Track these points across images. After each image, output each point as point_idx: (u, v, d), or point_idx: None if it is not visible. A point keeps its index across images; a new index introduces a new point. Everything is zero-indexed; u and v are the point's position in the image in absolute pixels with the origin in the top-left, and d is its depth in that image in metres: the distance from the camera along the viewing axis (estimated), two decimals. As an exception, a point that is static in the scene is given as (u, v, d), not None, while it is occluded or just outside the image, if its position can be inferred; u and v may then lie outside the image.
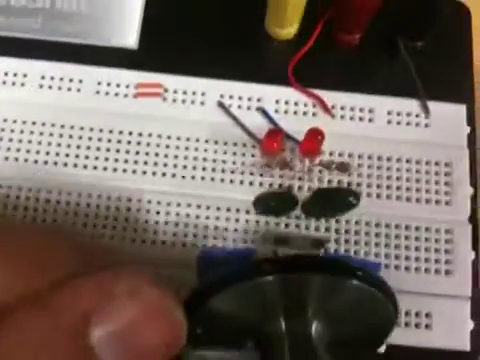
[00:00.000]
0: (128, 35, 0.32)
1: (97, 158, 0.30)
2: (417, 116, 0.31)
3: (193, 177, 0.30)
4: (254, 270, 0.19)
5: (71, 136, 0.30)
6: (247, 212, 0.29)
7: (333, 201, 0.25)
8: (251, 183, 0.30)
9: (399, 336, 0.28)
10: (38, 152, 0.30)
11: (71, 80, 0.31)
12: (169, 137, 0.30)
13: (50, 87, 0.31)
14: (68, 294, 0.14)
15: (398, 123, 0.31)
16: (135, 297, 0.14)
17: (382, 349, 0.28)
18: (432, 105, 0.31)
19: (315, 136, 0.27)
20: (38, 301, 0.13)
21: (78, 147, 0.30)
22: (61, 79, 0.31)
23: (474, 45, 0.33)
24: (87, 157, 0.30)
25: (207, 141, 0.30)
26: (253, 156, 0.30)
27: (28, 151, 0.30)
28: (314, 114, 0.31)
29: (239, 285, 0.19)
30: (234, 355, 0.21)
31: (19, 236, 0.15)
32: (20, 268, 0.14)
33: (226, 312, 0.20)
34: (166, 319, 0.14)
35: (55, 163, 0.29)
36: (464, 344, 0.28)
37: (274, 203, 0.25)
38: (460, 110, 0.31)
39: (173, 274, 0.27)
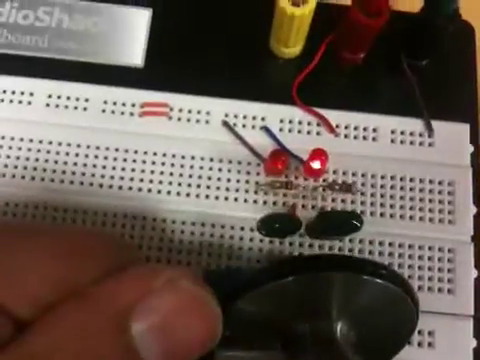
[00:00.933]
0: (134, 54, 0.33)
1: (103, 176, 0.30)
2: (421, 135, 0.31)
3: (197, 195, 0.30)
4: (281, 270, 0.19)
5: (77, 154, 0.30)
6: (251, 230, 0.29)
7: (336, 224, 0.25)
8: (255, 201, 0.30)
9: (402, 354, 0.28)
10: (44, 170, 0.30)
11: (77, 99, 0.31)
12: (174, 156, 0.30)
13: (57, 106, 0.31)
14: (110, 288, 0.14)
15: (402, 142, 0.31)
16: (174, 290, 0.14)
17: None
18: (436, 124, 0.31)
19: (319, 157, 0.28)
20: (82, 295, 0.14)
21: (84, 165, 0.30)
22: (68, 98, 0.31)
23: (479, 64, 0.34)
24: (93, 175, 0.30)
25: (212, 159, 0.30)
26: (258, 174, 0.30)
27: (35, 169, 0.30)
28: (318, 133, 0.31)
29: (266, 286, 0.19)
30: (262, 356, 0.21)
31: (60, 234, 0.16)
32: (65, 264, 0.14)
33: (254, 314, 0.21)
34: (204, 311, 0.15)
35: (61, 181, 0.30)
36: (467, 362, 0.28)
37: (278, 225, 0.25)
38: (463, 129, 0.31)
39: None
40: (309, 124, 0.31)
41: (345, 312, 0.21)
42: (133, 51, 0.33)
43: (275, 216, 0.26)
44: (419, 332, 0.29)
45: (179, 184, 0.30)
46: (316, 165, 0.26)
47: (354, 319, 0.22)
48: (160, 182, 0.30)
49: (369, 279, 0.20)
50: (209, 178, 0.30)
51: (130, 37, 0.33)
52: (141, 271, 0.15)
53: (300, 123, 0.31)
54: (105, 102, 0.31)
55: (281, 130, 0.31)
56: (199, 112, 0.31)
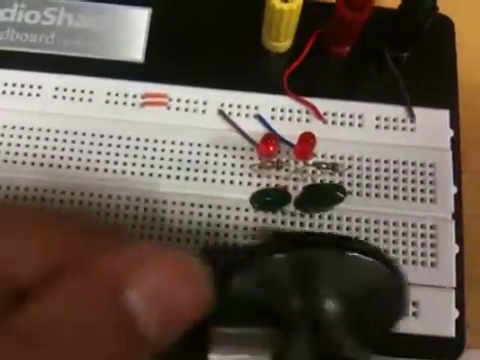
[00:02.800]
0: (135, 50, 0.35)
1: (107, 162, 0.32)
2: (403, 121, 0.33)
3: (195, 179, 0.32)
4: (270, 247, 0.21)
5: (83, 142, 0.32)
6: (246, 210, 0.31)
7: (322, 196, 0.27)
8: (249, 183, 0.32)
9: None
10: (52, 157, 0.32)
11: (83, 91, 0.33)
12: (173, 143, 0.33)
13: (63, 98, 0.33)
14: (106, 259, 0.15)
15: (385, 128, 0.33)
16: (165, 259, 0.15)
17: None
18: (417, 111, 0.34)
19: (308, 139, 0.30)
20: (79, 265, 0.15)
21: (89, 152, 0.32)
22: (73, 90, 0.33)
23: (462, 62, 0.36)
24: (98, 161, 0.32)
25: (208, 146, 0.33)
26: (251, 159, 0.32)
27: (43, 156, 0.32)
28: (307, 120, 0.33)
29: (255, 265, 0.20)
30: (254, 332, 0.22)
31: (58, 216, 0.17)
32: (67, 239, 0.16)
33: (246, 292, 0.22)
34: (193, 277, 0.16)
35: (68, 167, 0.32)
36: (449, 331, 0.30)
37: (269, 198, 0.27)
38: (443, 115, 0.34)
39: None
40: (299, 112, 0.34)
41: (333, 289, 0.22)
42: (134, 47, 0.35)
43: (267, 190, 0.28)
44: (404, 303, 0.30)
45: (178, 168, 0.32)
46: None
47: (343, 296, 0.23)
48: (160, 167, 0.32)
49: (355, 256, 0.21)
50: (206, 163, 0.32)
51: (131, 35, 0.35)
52: (135, 244, 0.16)
53: (291, 111, 0.34)
54: (108, 93, 0.33)
55: (273, 118, 0.33)
56: (196, 102, 0.33)
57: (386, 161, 0.33)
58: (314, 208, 0.28)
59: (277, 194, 0.28)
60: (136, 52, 0.35)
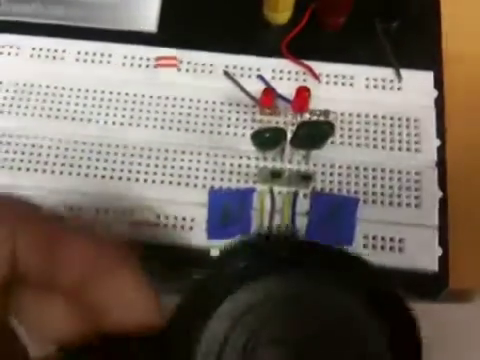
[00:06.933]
0: (149, 21, 0.39)
1: (123, 116, 0.36)
2: (391, 81, 0.37)
3: (203, 131, 0.36)
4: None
5: (102, 99, 0.36)
6: (248, 158, 0.35)
7: (313, 130, 0.31)
8: (251, 135, 0.35)
9: (376, 258, 0.33)
10: (75, 111, 0.36)
11: (102, 54, 0.37)
12: (183, 99, 0.36)
13: (85, 61, 0.37)
14: None
15: (375, 87, 0.37)
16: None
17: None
18: (404, 72, 0.37)
19: (303, 92, 0.33)
20: None
21: (107, 107, 0.36)
22: (94, 54, 0.37)
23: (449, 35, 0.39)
24: (115, 115, 0.36)
25: (215, 102, 0.36)
26: (253, 113, 0.36)
27: (67, 110, 0.36)
28: (304, 80, 0.37)
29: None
30: None
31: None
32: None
33: None
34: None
35: (89, 120, 0.36)
36: (433, 266, 0.33)
37: (268, 135, 0.31)
38: (428, 76, 0.37)
39: (185, 209, 0.33)
40: (296, 73, 0.37)
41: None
42: (148, 18, 0.39)
43: (265, 128, 0.31)
44: (391, 239, 0.34)
45: (187, 122, 0.36)
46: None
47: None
48: (171, 121, 0.36)
49: None
50: (212, 117, 0.36)
51: (145, 7, 0.39)
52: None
53: (289, 72, 0.37)
54: (125, 57, 0.37)
55: (273, 78, 0.37)
56: (204, 64, 0.37)
57: (375, 116, 0.36)
58: (307, 144, 0.32)
59: (275, 131, 0.31)
60: (149, 23, 0.39)
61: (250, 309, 0.17)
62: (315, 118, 0.35)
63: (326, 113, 0.34)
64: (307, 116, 0.35)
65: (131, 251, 0.18)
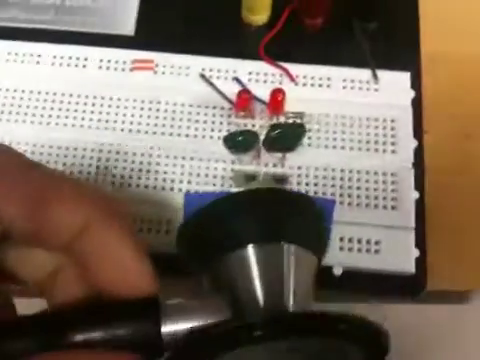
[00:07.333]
0: (127, 24, 0.39)
1: (99, 120, 0.36)
2: (368, 82, 0.37)
3: (179, 134, 0.36)
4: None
5: (77, 103, 0.36)
6: (224, 162, 0.35)
7: (284, 132, 0.31)
8: (227, 138, 0.35)
9: (353, 260, 0.33)
10: (50, 116, 0.36)
11: (78, 58, 0.37)
12: (159, 102, 0.36)
13: (60, 64, 0.37)
14: None
15: (352, 88, 0.37)
16: None
17: (339, 271, 0.33)
18: (381, 73, 0.37)
19: (278, 93, 0.33)
20: None
21: (83, 111, 0.36)
22: (69, 58, 0.37)
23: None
24: (91, 119, 0.36)
25: (191, 105, 0.36)
26: (229, 116, 0.36)
27: (42, 115, 0.36)
28: (280, 83, 0.37)
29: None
30: (207, 301, 0.20)
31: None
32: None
33: None
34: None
35: (64, 124, 0.36)
36: (410, 268, 0.33)
37: (240, 138, 0.31)
38: (405, 77, 0.37)
39: (161, 212, 0.33)
40: (273, 75, 0.37)
41: None
42: (126, 22, 0.39)
43: (238, 131, 0.31)
44: (367, 241, 0.33)
45: (163, 126, 0.36)
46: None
47: None
48: (147, 124, 0.36)
49: None
50: (189, 120, 0.36)
51: (123, 11, 0.39)
52: None
53: (265, 74, 0.37)
54: (101, 60, 0.37)
55: (249, 81, 0.37)
56: (180, 67, 0.37)
57: (351, 117, 0.36)
58: (280, 146, 0.32)
59: (247, 134, 0.31)
60: (127, 26, 0.39)
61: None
62: (291, 120, 0.34)
63: (301, 115, 0.34)
64: (282, 119, 0.35)
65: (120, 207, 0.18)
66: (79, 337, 0.17)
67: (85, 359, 0.16)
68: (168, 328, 0.17)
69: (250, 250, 0.19)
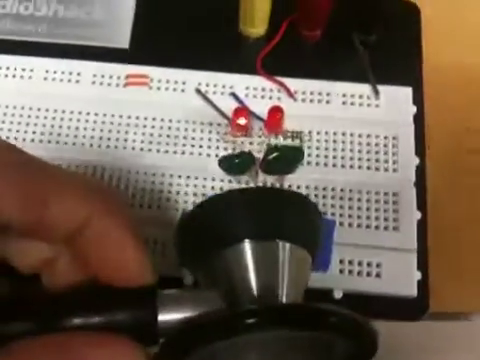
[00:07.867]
0: (121, 38, 0.38)
1: (92, 137, 0.35)
2: (368, 98, 0.36)
3: (175, 152, 0.35)
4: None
5: (70, 119, 0.35)
6: (221, 180, 0.34)
7: (282, 155, 0.30)
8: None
9: (353, 284, 0.32)
10: (42, 133, 0.35)
11: (71, 73, 0.36)
12: (154, 119, 0.35)
13: (53, 79, 0.36)
14: None
15: (352, 104, 0.36)
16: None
17: (339, 294, 0.32)
18: (382, 88, 0.36)
19: (276, 112, 0.32)
20: None
21: (76, 128, 0.35)
22: (62, 72, 0.36)
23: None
24: (84, 137, 0.35)
25: (187, 122, 0.35)
26: (225, 134, 0.35)
27: (34, 132, 0.35)
28: (278, 98, 0.36)
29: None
30: (201, 293, 0.20)
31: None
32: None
33: None
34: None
35: (57, 142, 0.35)
36: (412, 291, 0.32)
37: (237, 160, 0.30)
38: (406, 92, 0.36)
39: (157, 233, 0.32)
40: (271, 91, 0.36)
41: None
42: (120, 35, 0.38)
43: (234, 154, 0.30)
44: (368, 264, 0.32)
45: (158, 143, 0.35)
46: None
47: None
48: (142, 141, 0.35)
49: None
50: (184, 137, 0.35)
51: (118, 24, 0.38)
52: None
53: (263, 90, 0.36)
54: (94, 75, 0.36)
55: (247, 96, 0.36)
56: (176, 82, 0.36)
57: (352, 134, 0.35)
58: (277, 169, 0.31)
59: (243, 157, 0.30)
60: (121, 39, 0.38)
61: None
62: (289, 141, 0.33)
63: (300, 135, 0.33)
64: (281, 138, 0.34)
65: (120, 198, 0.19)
66: (76, 321, 0.17)
67: (81, 341, 0.17)
68: (164, 316, 0.18)
69: (246, 245, 0.20)
